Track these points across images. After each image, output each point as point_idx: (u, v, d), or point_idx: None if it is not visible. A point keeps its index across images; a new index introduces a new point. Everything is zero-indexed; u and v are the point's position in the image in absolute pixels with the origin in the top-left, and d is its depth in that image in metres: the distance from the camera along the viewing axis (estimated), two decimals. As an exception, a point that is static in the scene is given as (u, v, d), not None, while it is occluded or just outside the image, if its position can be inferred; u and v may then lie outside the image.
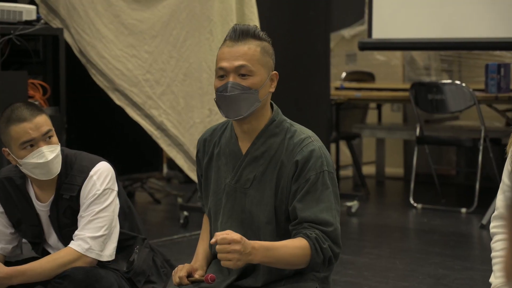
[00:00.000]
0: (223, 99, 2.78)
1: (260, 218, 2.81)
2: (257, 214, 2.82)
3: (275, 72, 2.88)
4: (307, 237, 2.72)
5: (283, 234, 2.83)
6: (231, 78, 2.77)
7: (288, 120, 2.91)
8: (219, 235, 2.59)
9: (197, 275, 2.88)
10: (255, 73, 2.78)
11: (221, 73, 2.79)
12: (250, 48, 2.79)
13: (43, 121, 3.28)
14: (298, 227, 2.76)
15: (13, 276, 3.24)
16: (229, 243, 2.57)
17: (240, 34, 2.79)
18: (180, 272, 2.88)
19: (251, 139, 2.87)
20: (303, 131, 2.87)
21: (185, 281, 2.86)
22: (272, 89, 2.87)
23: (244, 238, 2.60)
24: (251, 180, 2.84)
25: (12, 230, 3.50)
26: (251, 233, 2.83)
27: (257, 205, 2.83)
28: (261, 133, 2.86)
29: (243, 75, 2.77)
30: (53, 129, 3.32)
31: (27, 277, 3.27)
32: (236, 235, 2.59)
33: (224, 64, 2.78)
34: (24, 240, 3.58)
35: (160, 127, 5.85)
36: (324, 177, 2.78)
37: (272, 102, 2.93)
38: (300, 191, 2.78)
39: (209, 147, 2.96)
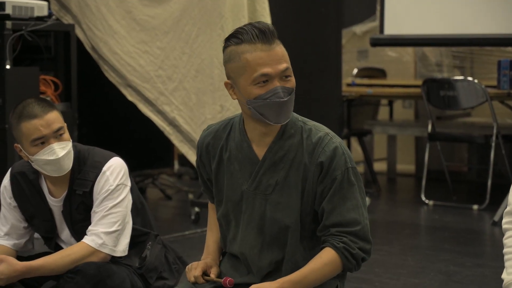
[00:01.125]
0: (276, 105, 2.65)
1: (285, 222, 2.76)
2: (281, 219, 2.76)
3: None
4: (334, 247, 2.70)
5: (310, 237, 2.80)
6: (277, 83, 2.67)
7: (300, 117, 2.84)
8: None
9: (212, 274, 2.84)
10: (292, 72, 2.71)
11: (264, 79, 2.65)
12: (281, 48, 2.69)
13: (54, 118, 3.28)
14: (326, 233, 2.74)
15: (27, 272, 3.25)
16: None
17: (270, 35, 2.67)
18: (195, 271, 2.83)
19: (265, 143, 2.78)
20: (318, 128, 2.80)
21: (201, 280, 2.83)
22: None
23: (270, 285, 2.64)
24: (273, 186, 2.77)
25: (26, 224, 3.52)
26: (271, 239, 2.79)
27: (282, 210, 2.76)
28: (277, 137, 2.77)
29: (286, 76, 2.69)
30: (64, 125, 3.33)
31: (40, 273, 3.28)
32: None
33: (268, 70, 2.64)
34: (36, 235, 3.59)
35: (172, 123, 5.86)
36: (348, 174, 2.75)
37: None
38: (327, 192, 2.73)
39: (215, 151, 2.86)
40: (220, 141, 2.86)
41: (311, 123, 2.83)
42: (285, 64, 2.67)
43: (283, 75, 2.67)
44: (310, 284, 2.69)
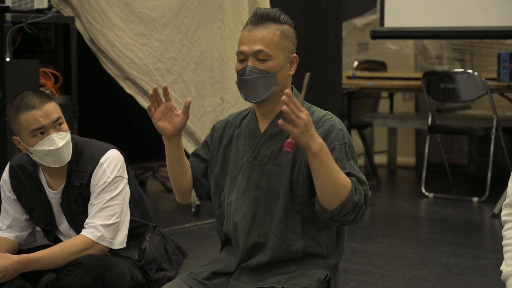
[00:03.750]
0: (242, 82, 2.85)
1: (278, 191, 2.84)
2: (274, 188, 2.85)
3: (295, 55, 2.91)
4: (349, 177, 2.72)
5: (299, 210, 2.85)
6: (250, 62, 2.83)
7: (308, 104, 2.95)
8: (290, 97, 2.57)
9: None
10: (273, 57, 2.83)
11: (241, 57, 2.85)
12: (268, 33, 2.84)
13: (52, 108, 3.29)
14: None
15: (26, 263, 3.25)
16: (299, 110, 2.58)
17: (260, 18, 2.85)
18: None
19: (269, 119, 2.91)
20: (322, 111, 2.92)
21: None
22: (292, 72, 2.91)
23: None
24: (268, 156, 2.88)
25: (27, 216, 3.52)
26: (265, 210, 2.87)
27: (274, 179, 2.86)
28: (280, 112, 2.89)
29: (261, 60, 2.83)
30: (62, 116, 3.33)
31: (40, 265, 3.28)
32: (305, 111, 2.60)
33: (243, 48, 2.84)
34: (37, 228, 3.60)
35: (171, 116, 5.84)
36: (346, 148, 2.81)
37: (293, 86, 2.96)
38: None
39: (231, 129, 3.02)
40: (236, 121, 3.02)
41: (317, 108, 2.94)
42: (260, 47, 2.82)
43: (257, 56, 2.82)
44: (330, 162, 2.65)
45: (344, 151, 2.80)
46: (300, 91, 2.88)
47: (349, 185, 2.69)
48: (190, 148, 5.93)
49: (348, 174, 2.74)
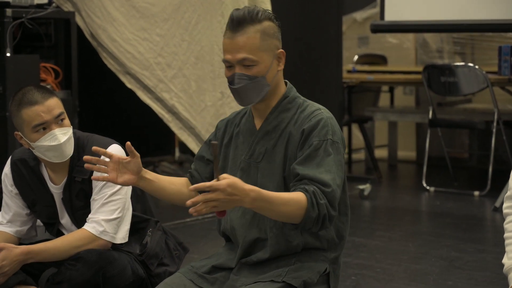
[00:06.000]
0: (233, 90, 2.84)
1: (270, 189, 2.79)
2: (267, 186, 2.82)
3: (281, 50, 2.87)
4: (304, 190, 2.69)
5: None
6: (237, 69, 2.80)
7: (302, 98, 2.94)
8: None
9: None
10: (258, 62, 2.80)
11: (227, 64, 2.83)
12: (249, 38, 2.78)
13: (54, 104, 3.29)
14: (297, 184, 2.74)
15: (27, 254, 3.25)
16: (210, 192, 2.50)
17: (237, 23, 2.78)
18: None
19: (264, 116, 2.91)
20: (314, 105, 2.90)
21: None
22: (281, 67, 2.88)
23: (234, 183, 2.53)
24: (262, 154, 2.88)
25: (28, 211, 3.52)
26: None
27: (267, 176, 2.86)
28: (273, 109, 2.89)
29: (247, 65, 2.80)
30: (64, 111, 3.33)
31: (41, 257, 3.28)
32: (221, 183, 2.51)
33: (228, 56, 2.81)
34: (38, 222, 3.60)
35: (171, 110, 5.85)
36: (327, 145, 2.78)
37: (287, 81, 2.95)
38: (301, 155, 2.79)
39: (231, 127, 3.01)
40: (236, 120, 3.02)
41: (311, 102, 2.92)
42: (243, 54, 2.78)
43: (243, 64, 2.79)
44: (271, 206, 2.64)
45: (324, 148, 2.77)
46: (299, 90, 2.90)
47: (303, 206, 2.67)
48: (191, 142, 5.93)
49: (310, 180, 2.71)
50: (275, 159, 2.86)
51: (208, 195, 2.50)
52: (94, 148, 2.84)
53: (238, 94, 2.83)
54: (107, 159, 2.82)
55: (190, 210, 2.52)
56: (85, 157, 2.82)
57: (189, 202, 2.51)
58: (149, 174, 2.90)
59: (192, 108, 5.92)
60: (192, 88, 5.93)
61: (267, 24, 2.82)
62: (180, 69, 5.88)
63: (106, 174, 2.82)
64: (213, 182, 2.50)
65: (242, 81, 2.80)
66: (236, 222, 2.91)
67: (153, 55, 5.78)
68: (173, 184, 2.99)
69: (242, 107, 3.05)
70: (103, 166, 2.82)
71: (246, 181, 2.86)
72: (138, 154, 2.83)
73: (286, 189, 2.83)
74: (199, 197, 2.50)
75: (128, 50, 5.68)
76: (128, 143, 2.80)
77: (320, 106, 2.89)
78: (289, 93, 2.91)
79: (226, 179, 2.52)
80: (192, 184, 2.99)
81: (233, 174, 2.91)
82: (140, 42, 5.73)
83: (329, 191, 2.71)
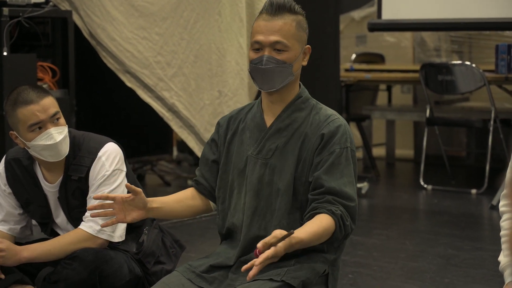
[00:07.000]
0: (258, 71, 2.84)
1: (278, 186, 2.85)
2: (275, 183, 2.86)
3: (308, 46, 2.93)
4: (332, 214, 2.74)
5: (298, 207, 2.86)
6: (267, 52, 2.83)
7: (314, 99, 2.98)
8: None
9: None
10: (290, 48, 2.84)
11: (257, 46, 2.85)
12: (286, 23, 2.84)
13: (50, 103, 3.28)
14: (321, 199, 2.78)
15: (23, 253, 3.26)
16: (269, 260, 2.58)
17: (277, 8, 2.84)
18: None
19: (276, 113, 2.92)
20: (329, 109, 2.94)
21: None
22: (305, 63, 2.94)
23: (289, 245, 2.61)
24: (273, 150, 2.89)
25: (21, 211, 3.52)
26: (265, 204, 2.88)
27: (277, 174, 2.87)
28: (287, 107, 2.91)
29: (278, 50, 2.83)
30: (60, 111, 3.33)
31: (37, 254, 3.29)
32: (280, 250, 2.58)
33: (260, 37, 2.83)
34: (34, 222, 3.60)
35: (171, 109, 5.86)
36: (347, 152, 2.84)
37: (300, 83, 2.98)
38: (324, 163, 2.81)
39: (234, 123, 3.02)
40: (241, 115, 3.03)
41: (324, 106, 2.97)
42: (278, 37, 2.82)
43: (274, 47, 2.82)
44: (308, 245, 2.72)
45: (345, 156, 2.83)
46: (306, 86, 2.92)
47: (331, 230, 2.74)
48: (191, 141, 5.94)
49: (335, 195, 2.76)
50: (287, 157, 2.87)
51: (267, 256, 2.54)
52: (95, 196, 2.90)
53: (261, 76, 2.84)
54: (111, 202, 2.85)
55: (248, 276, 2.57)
56: (89, 206, 2.86)
57: (243, 268, 2.58)
58: (155, 202, 2.93)
59: (192, 107, 5.93)
60: (192, 86, 5.93)
61: (301, 18, 2.90)
62: (180, 68, 5.89)
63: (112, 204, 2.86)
64: (274, 250, 2.56)
65: (270, 63, 2.82)
66: (239, 219, 2.92)
67: (153, 54, 5.78)
68: (180, 201, 3.03)
69: (240, 107, 3.06)
70: (110, 210, 2.85)
71: (251, 176, 2.87)
72: (140, 190, 2.86)
73: (294, 190, 2.85)
74: (257, 269, 2.54)
75: (128, 49, 5.69)
76: (127, 183, 2.85)
77: (334, 112, 2.94)
78: (303, 94, 2.95)
79: (283, 244, 2.58)
80: (199, 191, 3.05)
81: (238, 171, 2.94)
82: (140, 41, 5.74)
83: (353, 206, 2.79)
